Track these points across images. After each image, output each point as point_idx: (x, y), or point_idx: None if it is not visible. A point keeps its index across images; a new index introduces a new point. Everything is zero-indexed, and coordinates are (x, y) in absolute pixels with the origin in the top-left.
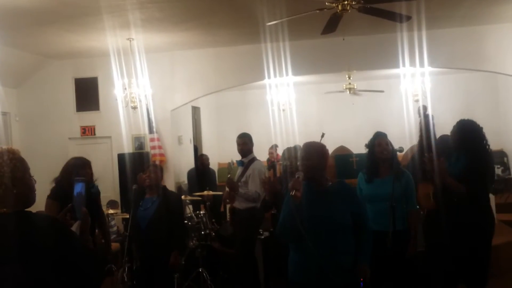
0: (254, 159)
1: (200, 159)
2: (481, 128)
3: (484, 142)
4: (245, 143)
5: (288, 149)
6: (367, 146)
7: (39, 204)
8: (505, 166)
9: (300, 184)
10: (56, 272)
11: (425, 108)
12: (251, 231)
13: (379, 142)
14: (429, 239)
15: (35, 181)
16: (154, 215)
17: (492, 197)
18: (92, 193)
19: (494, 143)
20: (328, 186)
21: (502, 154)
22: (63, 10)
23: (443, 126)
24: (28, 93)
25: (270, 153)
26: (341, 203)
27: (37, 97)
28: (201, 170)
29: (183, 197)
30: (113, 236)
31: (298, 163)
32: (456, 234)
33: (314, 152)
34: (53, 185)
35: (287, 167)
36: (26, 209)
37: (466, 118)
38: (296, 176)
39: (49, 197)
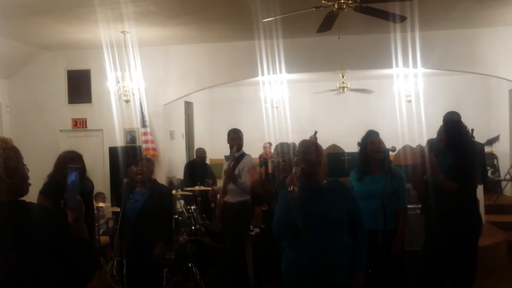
0: (244, 153)
1: (198, 153)
2: (465, 126)
3: (470, 137)
4: (239, 138)
5: (281, 144)
6: (359, 144)
7: (30, 197)
8: (495, 168)
9: (298, 179)
10: (50, 261)
11: None
12: (242, 226)
13: (372, 141)
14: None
15: (28, 170)
16: (143, 207)
17: (481, 198)
18: (85, 187)
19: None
20: (323, 184)
21: (492, 156)
22: (57, 0)
23: (436, 127)
24: (20, 84)
25: (265, 147)
26: (338, 201)
27: (29, 88)
28: (199, 164)
29: (174, 191)
30: (102, 230)
31: (295, 159)
32: (444, 235)
33: (314, 148)
34: (46, 180)
35: (279, 163)
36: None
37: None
38: (294, 171)
39: (41, 192)
